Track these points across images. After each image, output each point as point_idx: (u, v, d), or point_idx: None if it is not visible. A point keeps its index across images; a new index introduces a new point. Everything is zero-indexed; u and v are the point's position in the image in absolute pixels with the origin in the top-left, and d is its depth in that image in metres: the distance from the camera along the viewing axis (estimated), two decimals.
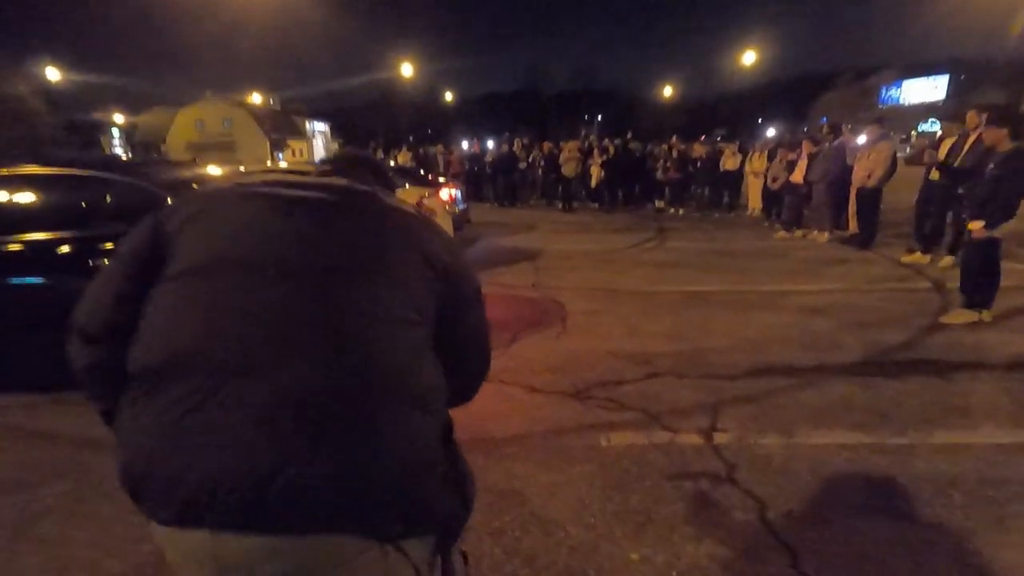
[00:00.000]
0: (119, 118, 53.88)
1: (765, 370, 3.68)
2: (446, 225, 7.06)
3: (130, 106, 56.98)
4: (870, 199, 7.88)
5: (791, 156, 9.91)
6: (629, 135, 16.10)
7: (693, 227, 10.81)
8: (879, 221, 8.09)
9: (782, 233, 9.49)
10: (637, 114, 56.17)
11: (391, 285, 0.94)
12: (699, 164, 12.96)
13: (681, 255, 7.81)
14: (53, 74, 36.48)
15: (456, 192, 9.33)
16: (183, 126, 54.02)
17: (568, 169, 13.95)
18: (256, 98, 58.14)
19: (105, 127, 51.71)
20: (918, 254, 7.03)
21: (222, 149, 48.38)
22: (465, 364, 1.15)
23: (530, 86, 75.50)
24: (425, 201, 6.62)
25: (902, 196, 9.46)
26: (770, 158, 11.19)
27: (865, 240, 7.97)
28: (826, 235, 8.78)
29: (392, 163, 14.78)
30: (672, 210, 13.11)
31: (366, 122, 62.58)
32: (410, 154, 16.98)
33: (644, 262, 7.39)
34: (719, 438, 2.83)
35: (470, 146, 18.23)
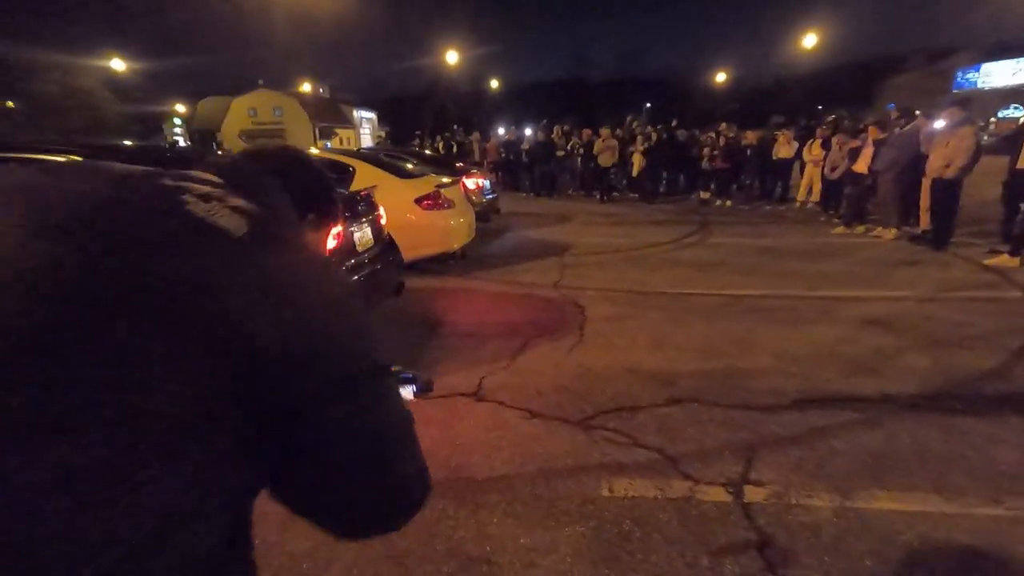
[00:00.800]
0: (180, 107, 56.20)
1: (816, 400, 3.04)
2: (468, 217, 6.59)
3: (189, 95, 59.20)
4: (948, 192, 6.91)
5: (855, 143, 8.94)
6: (675, 122, 15.14)
7: (740, 221, 9.97)
8: (957, 217, 7.11)
9: (841, 228, 8.57)
10: (688, 101, 54.09)
11: (107, 353, 0.48)
12: (749, 152, 11.99)
13: (723, 253, 7.09)
14: (118, 65, 38.11)
15: (484, 181, 8.85)
16: (237, 114, 55.67)
17: (604, 158, 13.10)
18: (307, 87, 59.29)
19: (167, 116, 54.06)
20: (1005, 256, 6.09)
21: (272, 137, 49.85)
22: (327, 493, 0.62)
23: (577, 73, 74.01)
24: (443, 191, 6.16)
25: (983, 189, 8.38)
26: (824, 146, 10.22)
27: (940, 238, 7.01)
28: (893, 231, 7.84)
29: (427, 152, 14.42)
30: (718, 202, 12.22)
31: (413, 110, 63.02)
32: (455, 143, 16.62)
33: (681, 260, 6.72)
34: (752, 494, 2.26)
35: (506, 133, 17.64)
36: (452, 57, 35.87)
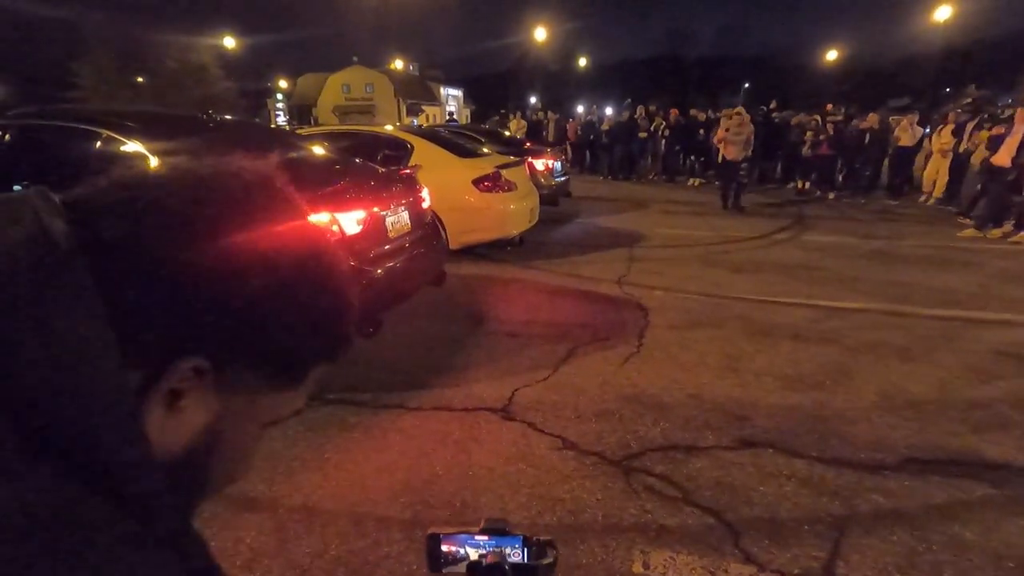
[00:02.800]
0: (283, 83, 59.49)
1: (936, 462, 2.35)
2: (531, 201, 6.12)
3: (292, 72, 62.38)
4: None
5: (996, 130, 7.54)
6: (773, 104, 13.72)
7: (844, 216, 8.77)
8: None
9: (970, 232, 7.27)
10: (792, 81, 49.94)
11: None
12: (867, 139, 10.43)
13: (821, 254, 6.16)
14: (229, 42, 40.56)
15: (553, 162, 8.30)
16: (332, 90, 58.08)
17: (732, 150, 9.05)
18: (398, 64, 60.68)
19: (271, 92, 57.48)
20: None
21: (363, 112, 51.86)
22: None
23: (672, 50, 70.47)
24: (504, 172, 5.71)
25: None
26: (957, 133, 8.78)
27: None
28: None
29: (504, 131, 13.99)
30: (818, 193, 10.92)
31: (499, 88, 62.99)
32: (525, 122, 16.07)
33: (769, 261, 5.89)
34: None
35: (586, 112, 16.84)
36: (540, 34, 35.07)
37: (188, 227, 0.31)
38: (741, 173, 9.39)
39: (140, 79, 37.65)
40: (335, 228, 2.85)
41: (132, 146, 2.87)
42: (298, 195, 0.37)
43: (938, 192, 9.60)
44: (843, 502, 2.10)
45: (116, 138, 2.92)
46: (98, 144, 2.95)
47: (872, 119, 10.55)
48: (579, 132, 15.31)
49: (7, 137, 3.18)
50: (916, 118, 10.33)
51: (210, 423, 0.34)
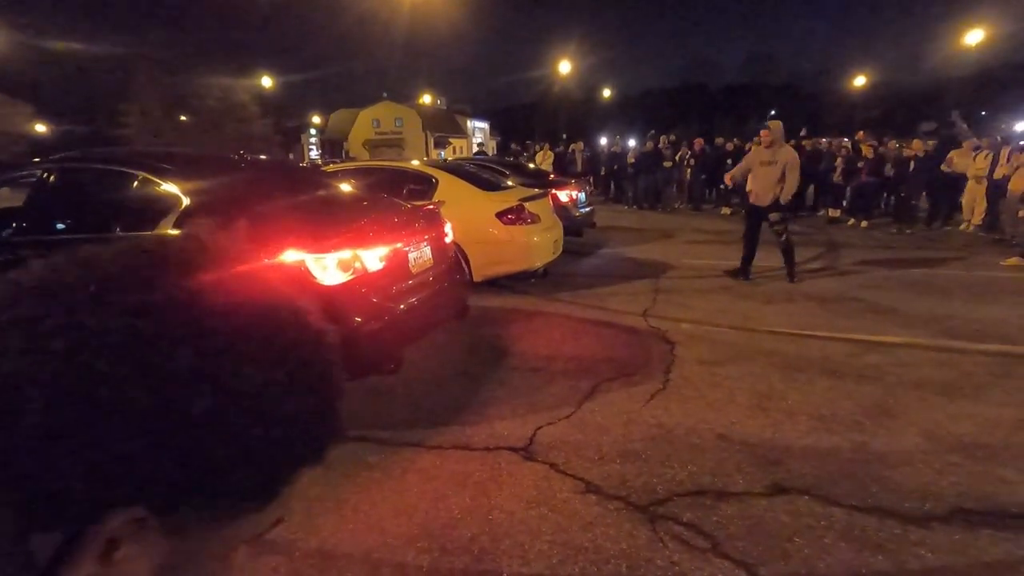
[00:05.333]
0: (316, 119, 61.82)
1: (988, 513, 2.18)
2: (554, 233, 6.12)
3: (325, 108, 64.80)
4: None
5: None
6: (803, 131, 13.57)
7: (879, 245, 8.52)
8: None
9: (1014, 260, 6.96)
10: (821, 107, 49.52)
11: None
12: (913, 165, 10.08)
13: (855, 284, 5.96)
14: (267, 82, 42.38)
15: (578, 193, 8.31)
16: (362, 125, 60.12)
17: (758, 188, 5.97)
18: (426, 99, 62.52)
19: (305, 127, 59.79)
20: None
21: (392, 146, 53.49)
22: None
23: (697, 80, 70.88)
24: (528, 205, 5.73)
25: None
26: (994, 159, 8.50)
27: None
28: None
29: (530, 164, 14.16)
30: (851, 221, 10.66)
31: (525, 120, 64.17)
32: (552, 154, 16.21)
33: (800, 291, 5.72)
34: None
35: (610, 144, 16.94)
36: (565, 67, 35.70)
37: (117, 354, 0.27)
38: (774, 226, 5.92)
39: (184, 118, 39.55)
40: (358, 264, 2.88)
41: (167, 187, 2.98)
42: (270, 289, 0.34)
43: (976, 219, 9.27)
44: (888, 557, 1.96)
45: (152, 179, 3.03)
46: (135, 185, 3.07)
47: (916, 145, 10.23)
48: (602, 162, 15.44)
49: (51, 179, 3.33)
50: (972, 143, 9.95)
51: (158, 571, 0.29)
